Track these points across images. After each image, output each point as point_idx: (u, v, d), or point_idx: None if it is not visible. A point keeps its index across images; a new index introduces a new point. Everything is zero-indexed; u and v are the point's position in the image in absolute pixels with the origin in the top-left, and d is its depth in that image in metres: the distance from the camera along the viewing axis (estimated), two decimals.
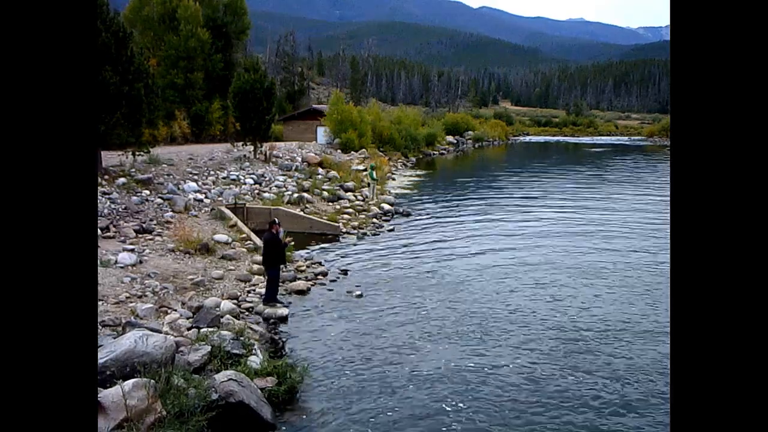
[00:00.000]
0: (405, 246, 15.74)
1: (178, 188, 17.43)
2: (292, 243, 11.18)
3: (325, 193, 21.66)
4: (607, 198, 25.75)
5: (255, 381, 6.90)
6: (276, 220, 11.26)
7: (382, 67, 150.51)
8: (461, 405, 7.06)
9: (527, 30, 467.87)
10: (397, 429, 6.55)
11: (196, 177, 19.37)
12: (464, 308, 10.59)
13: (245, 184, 20.47)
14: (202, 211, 16.53)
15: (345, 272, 12.86)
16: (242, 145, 25.19)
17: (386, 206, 21.23)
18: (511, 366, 8.18)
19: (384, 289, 11.75)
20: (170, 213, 15.32)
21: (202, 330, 8.27)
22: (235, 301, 10.38)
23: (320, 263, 13.38)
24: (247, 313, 10.07)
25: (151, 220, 14.40)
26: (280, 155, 26.91)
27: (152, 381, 5.85)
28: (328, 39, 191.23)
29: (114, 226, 13.17)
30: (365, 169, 26.70)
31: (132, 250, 11.71)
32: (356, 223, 18.28)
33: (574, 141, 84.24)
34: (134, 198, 15.38)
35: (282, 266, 10.90)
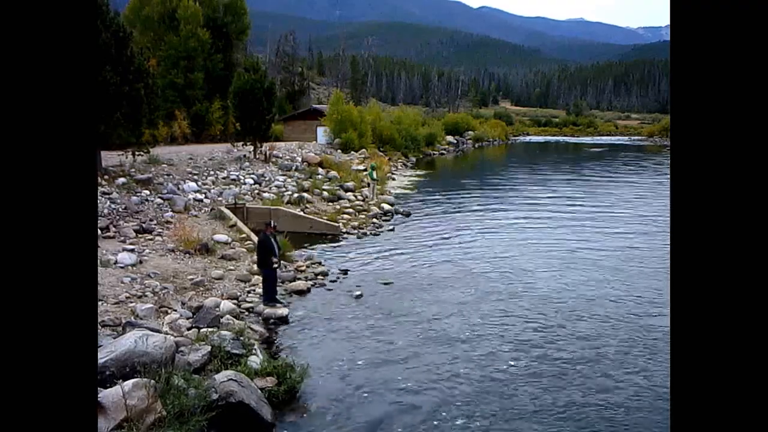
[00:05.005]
0: (405, 246, 15.73)
1: (178, 188, 17.43)
2: (277, 264, 10.84)
3: (325, 193, 21.65)
4: (606, 196, 25.73)
5: (255, 381, 6.90)
6: (272, 222, 11.24)
7: (382, 67, 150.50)
8: (462, 404, 7.06)
9: (527, 30, 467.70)
10: (397, 429, 6.55)
11: (196, 177, 19.37)
12: (465, 307, 10.59)
13: (245, 184, 20.47)
14: (202, 211, 16.53)
15: (345, 272, 12.87)
16: (242, 145, 25.20)
17: (386, 206, 21.23)
18: (511, 370, 8.18)
19: (384, 289, 11.75)
20: (170, 213, 15.32)
21: (202, 330, 8.28)
22: (235, 301, 10.38)
23: (320, 263, 13.38)
24: (247, 313, 10.07)
25: (151, 220, 14.40)
26: (280, 155, 26.91)
27: (152, 381, 5.84)
28: (328, 39, 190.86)
29: (114, 226, 13.17)
30: (365, 169, 26.69)
31: (132, 250, 11.71)
32: (356, 223, 18.28)
33: (574, 141, 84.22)
34: (134, 198, 15.38)
35: (276, 267, 10.86)
